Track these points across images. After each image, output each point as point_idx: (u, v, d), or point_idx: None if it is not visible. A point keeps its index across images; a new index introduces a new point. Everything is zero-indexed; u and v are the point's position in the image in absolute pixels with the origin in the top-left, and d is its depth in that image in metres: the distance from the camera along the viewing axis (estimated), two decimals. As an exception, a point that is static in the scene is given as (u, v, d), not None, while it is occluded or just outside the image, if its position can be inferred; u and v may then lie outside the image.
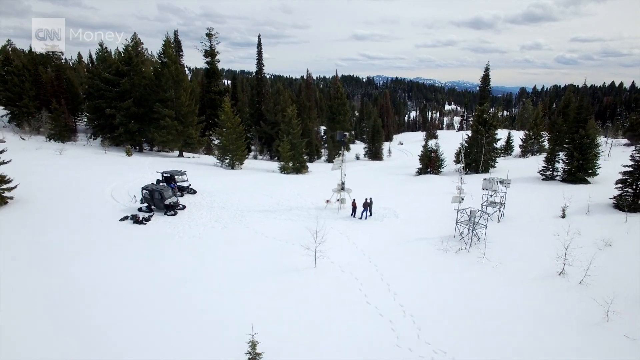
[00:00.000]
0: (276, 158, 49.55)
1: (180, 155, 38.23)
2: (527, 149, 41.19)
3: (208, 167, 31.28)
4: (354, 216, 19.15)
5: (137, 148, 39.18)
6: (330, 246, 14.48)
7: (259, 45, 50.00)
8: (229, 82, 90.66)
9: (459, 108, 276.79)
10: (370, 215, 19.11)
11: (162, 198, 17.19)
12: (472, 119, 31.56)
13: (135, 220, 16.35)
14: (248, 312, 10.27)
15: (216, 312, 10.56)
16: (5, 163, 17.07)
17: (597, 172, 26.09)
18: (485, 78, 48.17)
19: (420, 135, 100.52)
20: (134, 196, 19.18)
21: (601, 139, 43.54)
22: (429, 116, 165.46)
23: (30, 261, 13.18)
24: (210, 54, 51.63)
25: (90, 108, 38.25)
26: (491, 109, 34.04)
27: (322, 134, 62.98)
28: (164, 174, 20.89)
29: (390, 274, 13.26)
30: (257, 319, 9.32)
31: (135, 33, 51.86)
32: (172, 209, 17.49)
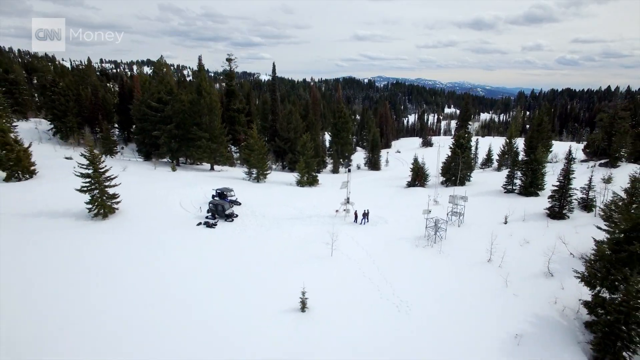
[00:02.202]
0: (287, 168, 57.21)
1: (212, 169, 45.94)
2: (502, 163, 48.69)
3: (239, 180, 38.89)
4: (356, 222, 26.72)
5: (176, 162, 46.85)
6: (340, 243, 22.08)
7: (274, 71, 57.69)
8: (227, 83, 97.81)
9: (457, 112, 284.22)
10: (368, 221, 26.70)
11: (223, 210, 24.85)
12: (453, 142, 39.04)
13: (207, 225, 24.01)
14: (294, 280, 17.79)
15: (277, 280, 18.22)
16: (117, 185, 24.75)
17: (544, 187, 33.53)
18: (466, 106, 55.69)
19: (417, 142, 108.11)
20: (200, 208, 26.86)
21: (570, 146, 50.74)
22: (427, 120, 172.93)
23: (146, 253, 20.73)
24: (230, 76, 59.37)
25: (138, 130, 45.74)
26: (467, 132, 41.42)
27: (327, 146, 70.58)
28: (217, 191, 28.51)
29: (379, 260, 20.83)
30: (301, 283, 16.84)
31: (162, 56, 59.72)
32: (230, 217, 25.15)
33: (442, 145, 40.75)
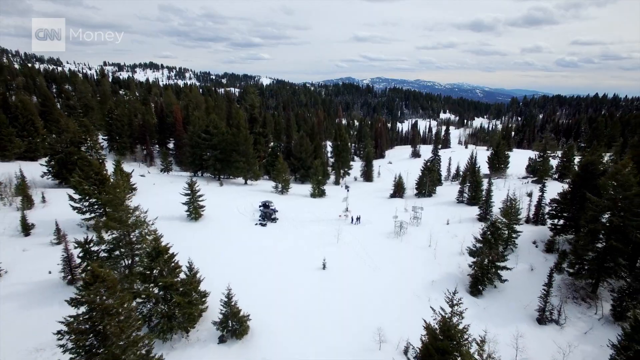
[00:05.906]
0: (299, 180, 72.08)
1: (245, 183, 60.87)
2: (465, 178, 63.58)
3: (268, 193, 53.81)
4: (352, 223, 41.63)
5: (218, 178, 61.85)
6: (343, 235, 37.02)
7: (286, 108, 72.50)
8: (232, 99, 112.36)
9: (452, 117, 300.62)
10: (359, 223, 41.65)
11: (270, 215, 39.83)
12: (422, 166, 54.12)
13: (261, 224, 38.96)
14: (317, 254, 32.63)
15: (308, 254, 33.17)
16: (204, 200, 39.66)
17: (482, 199, 48.41)
18: (437, 140, 70.81)
19: (408, 152, 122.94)
20: (253, 213, 41.81)
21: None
22: (419, 128, 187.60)
23: (231, 239, 35.56)
24: (253, 106, 74.28)
25: (190, 153, 60.61)
26: (433, 160, 56.50)
27: (329, 155, 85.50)
28: (262, 202, 43.36)
29: (365, 245, 35.75)
30: (321, 256, 31.61)
31: (193, 82, 74.60)
32: (274, 220, 40.09)
33: (411, 172, 55.74)
